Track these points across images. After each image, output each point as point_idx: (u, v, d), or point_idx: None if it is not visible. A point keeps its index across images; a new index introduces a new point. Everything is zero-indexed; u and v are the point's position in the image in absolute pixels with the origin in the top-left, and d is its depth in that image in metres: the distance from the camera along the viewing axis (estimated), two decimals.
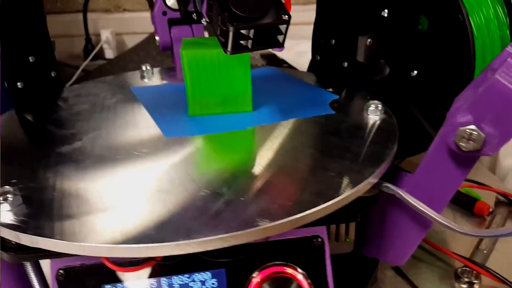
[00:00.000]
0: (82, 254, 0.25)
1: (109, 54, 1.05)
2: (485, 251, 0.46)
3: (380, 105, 0.41)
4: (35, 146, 0.38)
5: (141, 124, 0.41)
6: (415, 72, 0.45)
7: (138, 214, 0.27)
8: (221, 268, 0.30)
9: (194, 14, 0.41)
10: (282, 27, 0.34)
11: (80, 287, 0.30)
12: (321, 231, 0.31)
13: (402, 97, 0.46)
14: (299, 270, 0.30)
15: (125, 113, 0.44)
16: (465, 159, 0.31)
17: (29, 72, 0.48)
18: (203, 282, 0.30)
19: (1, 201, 0.28)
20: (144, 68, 0.56)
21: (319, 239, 0.31)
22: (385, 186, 0.33)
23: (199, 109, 0.42)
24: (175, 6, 0.60)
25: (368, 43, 0.49)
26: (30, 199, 0.29)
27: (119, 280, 0.30)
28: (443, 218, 0.30)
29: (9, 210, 0.28)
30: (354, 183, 0.29)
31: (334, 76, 0.51)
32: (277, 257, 0.31)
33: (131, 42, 1.07)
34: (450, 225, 0.29)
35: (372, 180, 0.30)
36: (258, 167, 0.32)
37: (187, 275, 0.30)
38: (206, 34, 0.64)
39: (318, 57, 0.54)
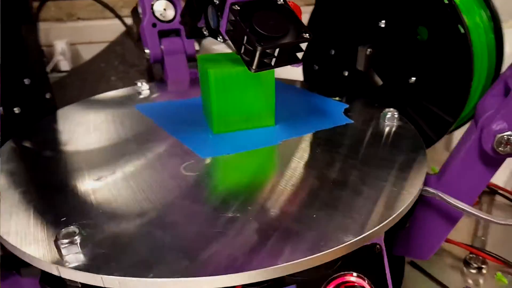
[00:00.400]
0: None
1: (65, 66, 0.99)
2: (482, 238, 0.51)
3: (396, 113, 0.43)
4: (65, 179, 0.36)
5: (169, 147, 0.40)
6: (413, 79, 0.49)
7: (226, 242, 0.27)
8: (292, 284, 0.31)
9: (205, 30, 0.41)
10: (303, 45, 0.35)
11: None
12: (380, 239, 0.32)
13: (400, 102, 0.49)
14: (364, 278, 0.32)
15: (146, 139, 0.42)
16: (497, 161, 0.34)
17: (25, 96, 0.44)
18: None
19: (67, 243, 0.26)
20: (139, 84, 0.54)
21: (378, 247, 0.32)
22: (425, 190, 0.36)
23: (224, 127, 0.42)
24: (164, 17, 0.59)
25: (368, 53, 0.52)
26: (93, 237, 0.27)
27: None
28: (485, 213, 0.33)
29: (78, 252, 0.26)
30: (410, 192, 0.31)
31: (334, 84, 0.54)
32: (342, 267, 0.32)
33: (87, 52, 1.01)
34: (494, 220, 0.33)
35: (421, 186, 0.33)
36: (316, 183, 0.33)
37: None
38: (196, 46, 0.63)
39: (317, 67, 0.56)
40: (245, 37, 0.34)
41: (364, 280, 0.31)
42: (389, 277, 0.33)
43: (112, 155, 0.39)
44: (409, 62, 0.48)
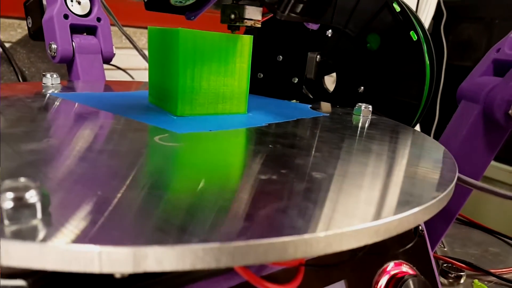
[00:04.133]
0: None
1: None
2: (445, 249, 0.49)
3: (369, 106, 0.40)
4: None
5: (135, 126, 0.29)
6: (362, 88, 0.47)
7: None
8: (341, 279, 0.22)
9: (179, 2, 0.33)
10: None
11: None
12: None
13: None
14: (412, 266, 0.25)
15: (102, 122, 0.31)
16: (503, 132, 0.33)
17: None
18: None
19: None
20: (49, 76, 0.41)
21: (421, 229, 0.26)
22: None
23: (189, 108, 0.33)
24: (79, 11, 0.49)
25: (317, 59, 0.49)
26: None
27: None
28: (502, 191, 0.31)
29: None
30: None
31: (284, 91, 0.49)
32: (386, 255, 0.25)
33: None
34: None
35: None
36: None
37: None
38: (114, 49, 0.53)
39: (261, 75, 0.51)
40: None
41: (409, 266, 0.25)
42: (433, 262, 0.27)
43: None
44: (358, 72, 0.47)
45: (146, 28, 1.00)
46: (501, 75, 0.32)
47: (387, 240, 0.23)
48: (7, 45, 0.79)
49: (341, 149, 0.27)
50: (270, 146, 0.26)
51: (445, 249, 0.49)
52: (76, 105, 0.34)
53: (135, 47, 0.59)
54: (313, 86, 0.51)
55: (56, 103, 0.34)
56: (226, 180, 0.20)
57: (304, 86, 0.51)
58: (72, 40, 0.48)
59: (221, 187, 0.19)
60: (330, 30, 0.49)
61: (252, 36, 0.34)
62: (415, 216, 0.17)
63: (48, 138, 0.24)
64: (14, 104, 0.32)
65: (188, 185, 0.19)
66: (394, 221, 0.16)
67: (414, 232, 0.27)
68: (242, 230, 0.14)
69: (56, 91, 0.39)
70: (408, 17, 0.45)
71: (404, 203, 0.18)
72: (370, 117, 0.40)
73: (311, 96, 0.53)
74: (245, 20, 0.33)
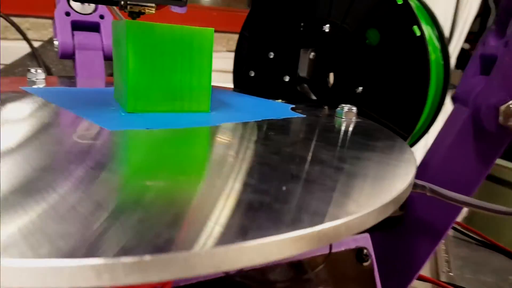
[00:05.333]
0: None
1: None
2: (450, 274, 0.43)
3: (354, 108, 0.36)
4: None
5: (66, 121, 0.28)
6: (360, 88, 0.43)
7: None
8: None
9: None
10: None
11: None
12: (366, 241, 0.23)
13: None
14: None
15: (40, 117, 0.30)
16: (498, 140, 0.27)
17: None
18: None
19: None
20: (33, 71, 0.42)
21: (365, 253, 0.22)
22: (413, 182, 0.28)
23: (141, 104, 0.31)
24: (82, 10, 0.50)
25: (311, 56, 0.46)
26: None
27: None
28: (488, 204, 0.26)
29: None
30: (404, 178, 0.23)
31: (274, 90, 0.46)
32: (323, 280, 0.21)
33: None
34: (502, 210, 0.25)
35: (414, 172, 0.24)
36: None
37: None
38: None
39: (253, 73, 0.49)
40: None
41: None
42: None
43: None
44: (357, 70, 0.43)
45: None
46: (488, 72, 0.27)
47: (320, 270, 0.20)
48: (38, 43, 0.83)
49: (278, 154, 0.24)
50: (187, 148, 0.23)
51: (451, 273, 0.43)
52: (34, 100, 0.33)
53: None
54: (314, 85, 0.47)
55: (18, 96, 0.34)
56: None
57: (306, 85, 0.48)
58: (73, 37, 0.49)
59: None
60: (328, 25, 0.45)
61: (213, 29, 0.32)
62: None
63: None
64: None
65: None
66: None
67: (357, 257, 0.23)
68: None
69: (34, 86, 0.40)
70: (411, 11, 0.40)
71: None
72: (354, 120, 0.36)
73: (313, 97, 0.49)
74: (132, 6, 0.31)
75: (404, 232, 0.31)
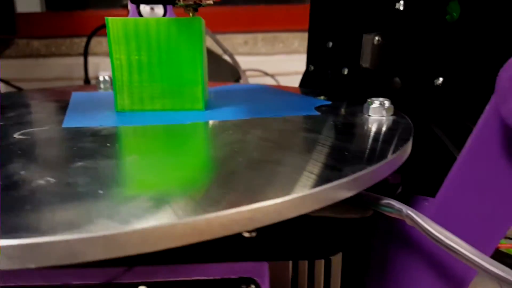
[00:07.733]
0: None
1: None
2: None
3: (387, 102, 0.27)
4: None
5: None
6: (441, 79, 0.32)
7: None
8: None
9: None
10: None
11: None
12: (258, 271, 0.16)
13: (422, 114, 0.32)
14: None
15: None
16: None
17: None
18: None
19: None
20: (101, 78, 0.46)
21: (253, 286, 0.16)
22: (387, 204, 0.19)
23: (129, 102, 0.30)
24: (151, 15, 0.52)
25: (375, 42, 0.37)
26: None
27: None
28: (500, 265, 0.15)
29: None
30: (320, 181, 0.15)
31: (330, 86, 0.39)
32: None
33: None
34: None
35: (353, 181, 0.16)
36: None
37: None
38: None
39: (312, 67, 0.42)
40: None
41: None
42: None
43: None
44: (435, 56, 0.32)
45: (298, 31, 0.98)
46: None
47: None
48: None
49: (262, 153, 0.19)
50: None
51: None
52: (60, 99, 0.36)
53: (224, 51, 0.59)
54: (370, 79, 0.38)
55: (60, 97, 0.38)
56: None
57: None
58: None
59: None
60: (402, 1, 0.36)
61: (200, 18, 0.29)
62: None
63: None
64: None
65: None
66: None
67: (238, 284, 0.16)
68: None
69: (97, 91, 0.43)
70: None
71: None
72: (386, 117, 0.27)
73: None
74: None
75: None
